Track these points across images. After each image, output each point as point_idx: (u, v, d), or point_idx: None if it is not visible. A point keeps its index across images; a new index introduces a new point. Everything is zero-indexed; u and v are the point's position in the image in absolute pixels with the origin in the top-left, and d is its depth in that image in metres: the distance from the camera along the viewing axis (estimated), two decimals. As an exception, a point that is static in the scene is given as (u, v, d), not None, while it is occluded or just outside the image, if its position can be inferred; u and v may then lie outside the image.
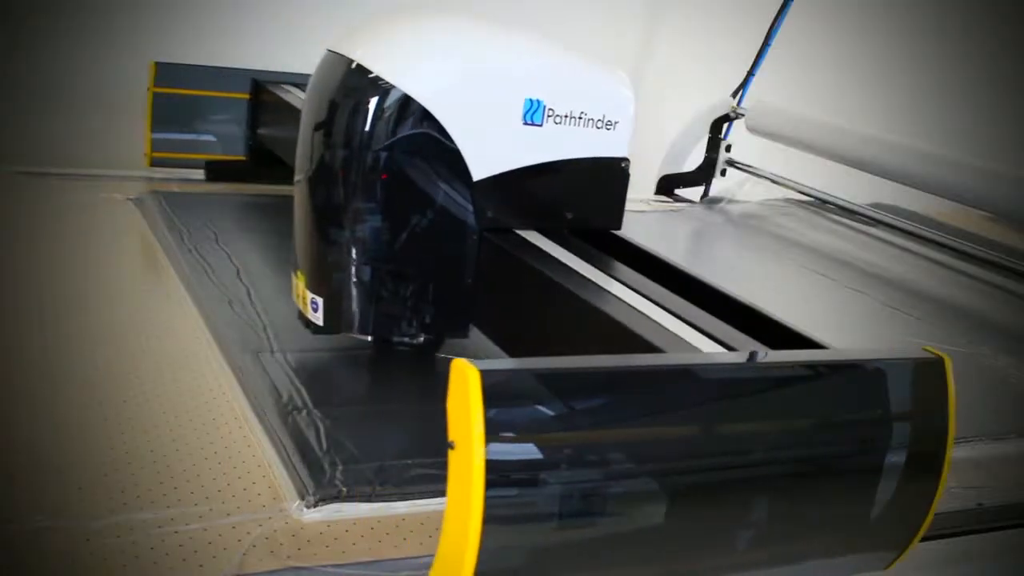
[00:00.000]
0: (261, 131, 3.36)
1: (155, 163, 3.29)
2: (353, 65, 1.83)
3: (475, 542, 1.11)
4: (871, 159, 3.43)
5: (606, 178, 1.96)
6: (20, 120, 3.48)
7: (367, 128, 1.78)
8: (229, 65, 3.34)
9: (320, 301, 1.87)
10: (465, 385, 1.12)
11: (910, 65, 4.87)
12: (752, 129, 3.84)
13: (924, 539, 1.46)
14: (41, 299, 2.17)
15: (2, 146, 3.35)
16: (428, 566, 1.41)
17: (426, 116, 1.77)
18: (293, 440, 1.65)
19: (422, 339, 1.91)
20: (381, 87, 1.78)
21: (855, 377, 1.43)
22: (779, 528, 1.37)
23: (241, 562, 1.35)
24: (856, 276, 3.20)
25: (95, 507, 1.42)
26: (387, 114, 1.78)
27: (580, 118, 1.88)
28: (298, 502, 1.50)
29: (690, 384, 1.33)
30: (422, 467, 1.63)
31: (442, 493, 1.55)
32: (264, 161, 3.33)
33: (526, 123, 1.83)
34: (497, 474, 1.11)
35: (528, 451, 1.18)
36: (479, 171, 1.82)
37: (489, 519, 1.11)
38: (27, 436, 1.61)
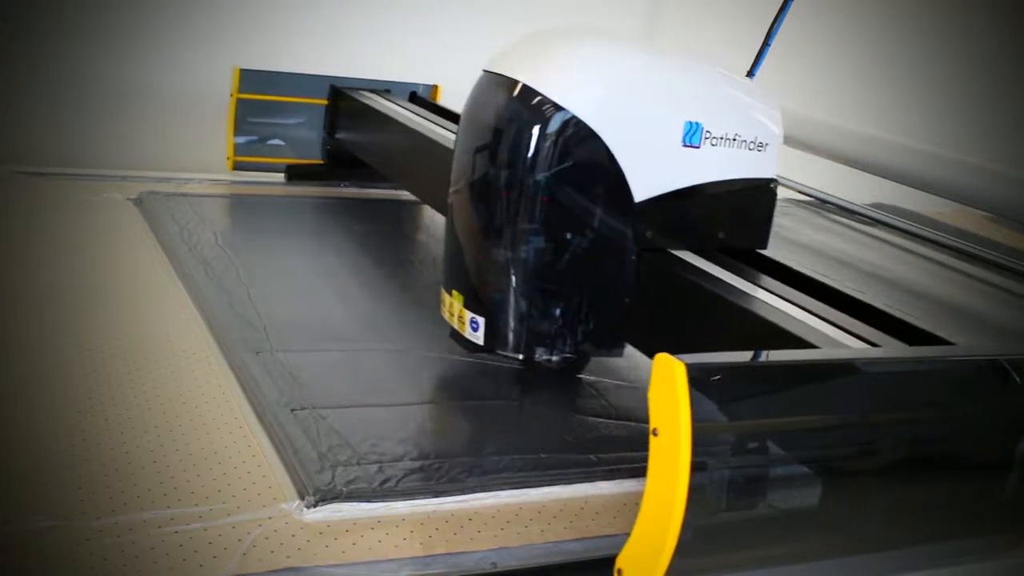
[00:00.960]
0: (340, 135, 3.45)
1: (237, 167, 3.39)
2: (519, 86, 1.83)
3: (678, 522, 1.21)
4: (871, 159, 3.43)
5: (755, 198, 2.00)
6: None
7: (535, 149, 1.79)
8: (308, 72, 3.43)
9: (481, 321, 1.89)
10: (671, 377, 1.21)
11: (910, 65, 4.87)
12: (752, 129, 3.83)
13: None
14: (41, 299, 2.17)
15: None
16: (428, 566, 1.41)
17: (593, 137, 1.79)
18: (293, 440, 1.65)
19: (571, 356, 1.94)
20: (549, 108, 1.78)
21: (989, 372, 1.51)
22: (924, 510, 1.50)
23: (241, 562, 1.35)
24: (856, 276, 3.19)
25: (95, 507, 1.42)
26: (555, 135, 1.79)
27: (734, 140, 1.90)
28: (298, 502, 1.50)
29: (859, 377, 1.46)
30: (422, 467, 1.63)
31: (441, 493, 1.56)
32: (341, 164, 3.45)
33: (685, 145, 1.85)
34: (700, 458, 1.21)
35: (726, 437, 1.30)
36: (640, 193, 1.84)
37: (691, 501, 1.21)
38: (27, 436, 1.61)
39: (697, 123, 1.85)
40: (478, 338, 1.90)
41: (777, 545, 1.40)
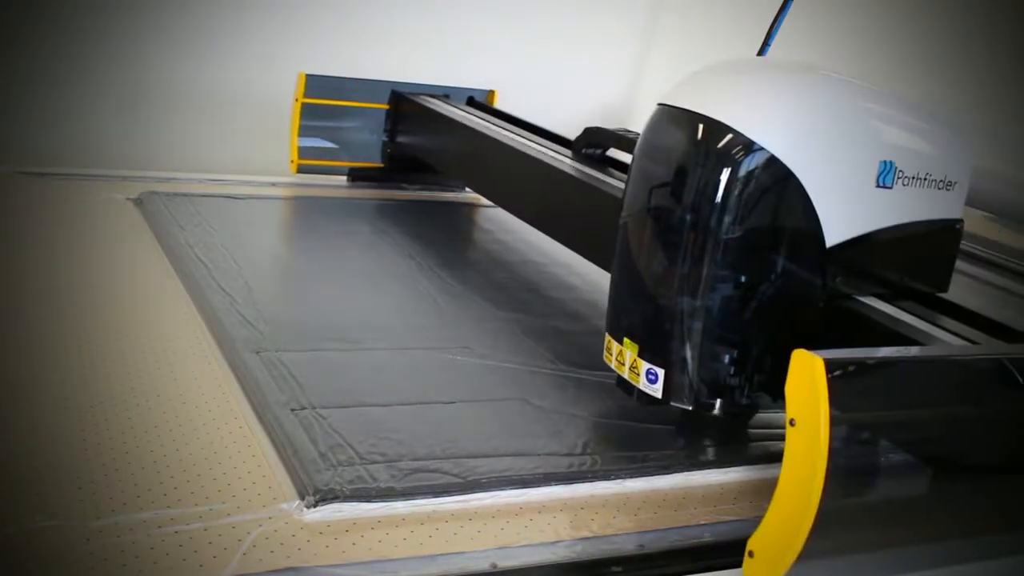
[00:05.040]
0: (400, 139, 3.55)
1: (300, 170, 3.47)
2: (708, 122, 1.70)
3: (814, 507, 1.31)
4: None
5: (940, 240, 1.91)
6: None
7: (727, 190, 1.66)
8: (368, 77, 3.53)
9: (660, 372, 1.77)
10: (811, 371, 1.31)
11: (910, 66, 4.87)
12: (752, 129, 3.82)
13: None
14: (41, 299, 2.17)
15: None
16: (428, 566, 1.41)
17: (790, 178, 1.66)
18: (293, 440, 1.65)
19: (748, 407, 1.85)
20: (743, 146, 1.65)
21: None
22: None
23: (241, 562, 1.35)
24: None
25: (95, 507, 1.42)
26: (749, 175, 1.66)
27: (924, 179, 1.81)
28: (298, 502, 1.49)
29: (976, 373, 1.57)
30: (422, 467, 1.63)
31: (442, 492, 1.56)
32: (401, 167, 3.58)
33: (878, 186, 1.75)
34: (835, 447, 1.30)
35: (859, 429, 1.41)
36: (832, 237, 1.73)
37: (826, 490, 1.30)
38: (27, 436, 1.61)
39: (891, 163, 1.75)
40: (655, 391, 1.77)
41: (890, 529, 1.50)
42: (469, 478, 1.61)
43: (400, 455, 1.66)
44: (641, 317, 1.81)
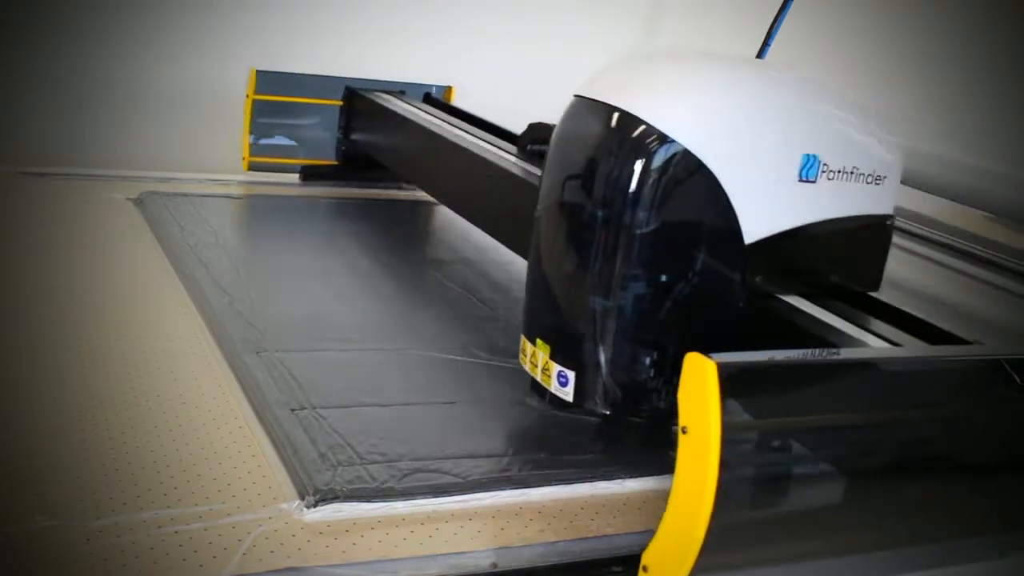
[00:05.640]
0: (355, 136, 3.48)
1: (252, 167, 3.41)
2: (619, 115, 1.64)
3: (706, 519, 1.22)
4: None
5: (870, 237, 1.86)
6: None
7: (638, 185, 1.60)
8: (322, 73, 3.47)
9: (571, 375, 1.71)
10: (703, 375, 1.22)
11: (911, 66, 4.87)
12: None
13: None
14: (41, 299, 2.17)
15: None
16: (428, 566, 1.41)
17: (703, 172, 1.60)
18: (293, 440, 1.65)
19: (665, 411, 1.75)
20: (655, 139, 1.60)
21: (1016, 369, 1.51)
22: (954, 504, 1.53)
23: (241, 562, 1.35)
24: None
25: (95, 507, 1.42)
26: (661, 169, 1.60)
27: (852, 173, 1.75)
28: (298, 502, 1.49)
29: (884, 375, 1.50)
30: (422, 467, 1.63)
31: (442, 492, 1.56)
32: (355, 165, 3.50)
33: (801, 180, 1.69)
34: (728, 456, 1.22)
35: (754, 435, 1.33)
36: (751, 233, 1.66)
37: (719, 498, 1.22)
38: (27, 436, 1.61)
39: (815, 156, 1.69)
40: (566, 394, 1.72)
41: (799, 542, 1.42)
42: (469, 478, 1.61)
43: (400, 455, 1.66)
44: (552, 317, 1.76)
